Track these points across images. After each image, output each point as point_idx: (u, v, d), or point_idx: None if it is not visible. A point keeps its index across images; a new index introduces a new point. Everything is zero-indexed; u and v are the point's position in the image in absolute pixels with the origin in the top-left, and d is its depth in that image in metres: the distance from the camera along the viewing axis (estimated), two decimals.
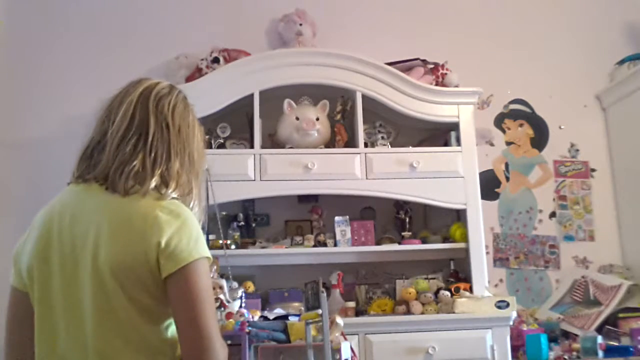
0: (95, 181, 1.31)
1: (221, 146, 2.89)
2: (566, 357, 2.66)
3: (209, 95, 2.79)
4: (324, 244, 2.85)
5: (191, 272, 1.22)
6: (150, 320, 1.24)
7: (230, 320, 2.05)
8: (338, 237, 2.84)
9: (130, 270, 1.22)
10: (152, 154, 1.32)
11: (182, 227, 1.26)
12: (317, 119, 2.88)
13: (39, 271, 1.29)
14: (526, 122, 3.41)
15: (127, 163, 1.29)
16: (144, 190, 1.28)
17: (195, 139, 1.41)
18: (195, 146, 1.40)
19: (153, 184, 1.29)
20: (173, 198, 1.31)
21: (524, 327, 2.85)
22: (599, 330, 2.79)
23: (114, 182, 1.28)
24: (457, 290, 2.76)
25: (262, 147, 2.86)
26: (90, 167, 1.33)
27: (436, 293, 2.78)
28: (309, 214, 3.04)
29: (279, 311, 2.56)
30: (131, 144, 1.31)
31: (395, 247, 2.90)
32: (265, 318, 2.32)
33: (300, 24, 3.15)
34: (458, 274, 2.94)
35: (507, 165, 3.35)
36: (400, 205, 3.03)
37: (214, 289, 1.88)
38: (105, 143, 1.32)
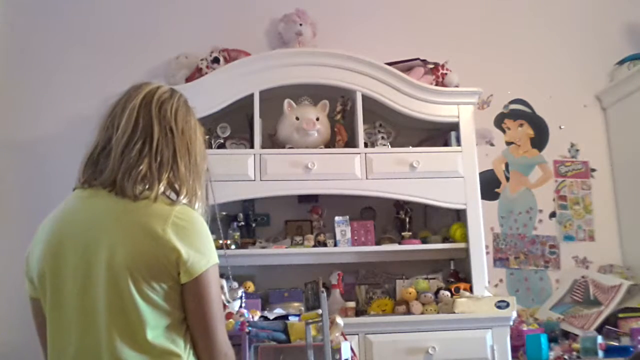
0: (102, 187, 1.32)
1: (221, 146, 2.89)
2: (566, 357, 2.66)
3: (209, 95, 2.79)
4: (324, 244, 2.85)
5: (204, 280, 1.29)
6: (160, 323, 1.27)
7: (230, 320, 2.05)
8: (338, 237, 2.83)
9: (147, 271, 1.24)
10: (158, 158, 1.34)
11: (198, 236, 1.31)
12: (317, 119, 2.88)
13: (51, 277, 1.29)
14: (526, 122, 3.41)
15: (133, 168, 1.31)
16: (154, 195, 1.30)
17: (198, 142, 1.44)
18: (198, 149, 1.43)
19: (162, 188, 1.32)
20: (183, 204, 1.34)
21: (524, 327, 2.85)
22: (599, 330, 2.79)
23: (122, 188, 1.30)
24: (457, 290, 2.76)
25: (262, 147, 2.86)
26: (97, 173, 1.34)
27: (436, 293, 2.78)
28: (309, 214, 3.04)
29: (279, 311, 2.56)
30: (136, 149, 1.33)
31: (395, 247, 2.90)
32: (265, 318, 2.32)
33: (300, 24, 3.15)
34: (458, 274, 2.94)
35: (507, 165, 3.35)
36: (400, 205, 3.03)
37: None
38: (110, 149, 1.34)
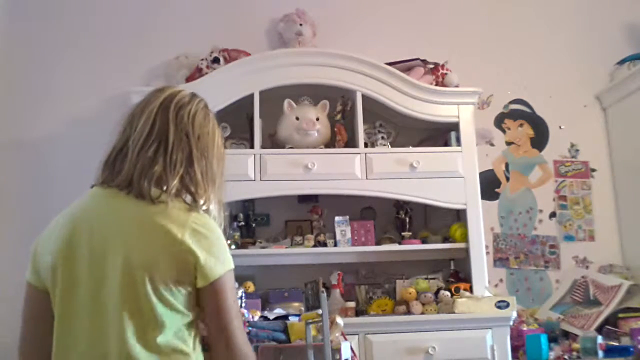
0: (119, 189, 1.33)
1: None
2: (566, 357, 2.66)
3: (209, 95, 2.70)
4: (324, 244, 2.85)
5: (220, 285, 1.31)
6: (174, 324, 1.28)
7: None
8: (338, 237, 2.83)
9: (165, 274, 1.26)
10: (173, 161, 1.35)
11: (215, 242, 1.32)
12: (317, 119, 2.88)
13: (65, 273, 1.29)
14: (526, 122, 3.41)
15: (148, 168, 1.32)
16: (169, 198, 1.31)
17: (215, 146, 1.44)
18: (215, 153, 1.43)
19: (174, 189, 1.33)
20: (199, 210, 1.35)
21: (524, 327, 2.85)
22: (599, 330, 2.79)
23: (139, 190, 1.31)
24: (457, 290, 2.76)
25: (262, 147, 2.86)
26: (114, 175, 1.35)
27: (436, 293, 2.78)
28: (309, 214, 3.03)
29: (279, 311, 2.56)
30: (152, 150, 1.34)
31: (395, 247, 2.90)
32: (265, 318, 2.33)
33: (300, 24, 3.15)
34: (458, 274, 2.94)
35: (507, 165, 3.35)
36: (400, 205, 3.03)
37: None
38: (127, 150, 1.35)
